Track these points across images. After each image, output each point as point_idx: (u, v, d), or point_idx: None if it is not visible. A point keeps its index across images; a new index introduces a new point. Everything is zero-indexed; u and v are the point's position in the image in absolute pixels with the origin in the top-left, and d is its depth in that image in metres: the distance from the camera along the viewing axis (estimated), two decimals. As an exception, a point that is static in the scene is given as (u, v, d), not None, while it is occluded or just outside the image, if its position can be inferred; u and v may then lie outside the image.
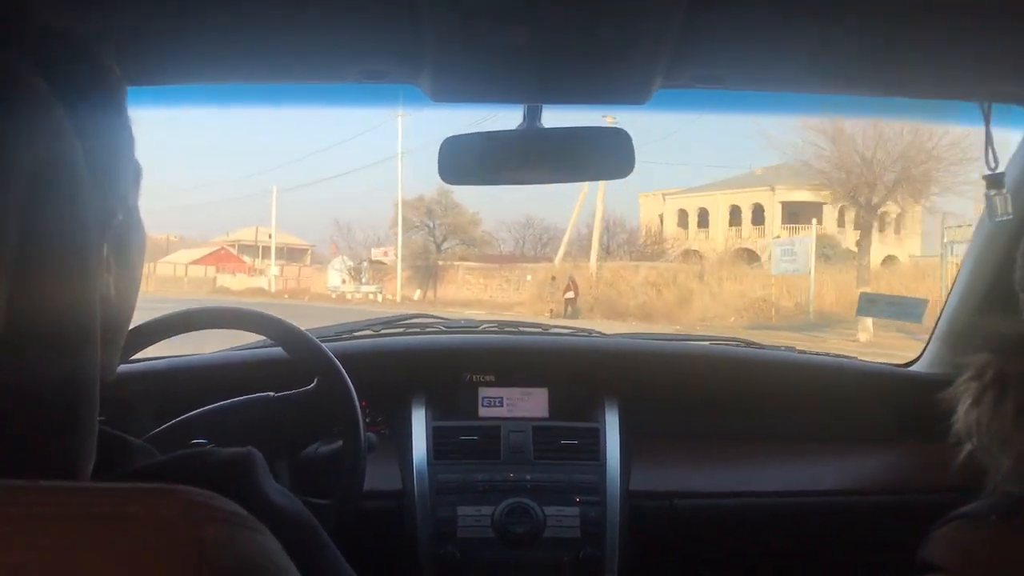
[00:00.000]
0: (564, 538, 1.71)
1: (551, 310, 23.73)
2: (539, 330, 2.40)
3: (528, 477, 1.78)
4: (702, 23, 1.09)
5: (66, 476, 0.47)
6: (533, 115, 1.42)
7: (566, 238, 31.68)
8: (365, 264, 34.95)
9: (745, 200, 31.52)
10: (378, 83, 1.35)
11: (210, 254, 43.99)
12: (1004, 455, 0.99)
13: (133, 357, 1.76)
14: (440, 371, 2.00)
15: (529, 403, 1.95)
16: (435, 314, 2.91)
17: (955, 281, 2.06)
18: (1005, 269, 1.86)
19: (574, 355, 2.12)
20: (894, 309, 2.20)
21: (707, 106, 1.56)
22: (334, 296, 32.27)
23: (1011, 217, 1.63)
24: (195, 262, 43.26)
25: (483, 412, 1.94)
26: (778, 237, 26.97)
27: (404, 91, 1.37)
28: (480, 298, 28.29)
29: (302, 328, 1.61)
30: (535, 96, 1.40)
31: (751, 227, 31.28)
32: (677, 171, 54.87)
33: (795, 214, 29.33)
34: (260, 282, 37.69)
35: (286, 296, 31.84)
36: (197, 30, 1.16)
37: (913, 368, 2.18)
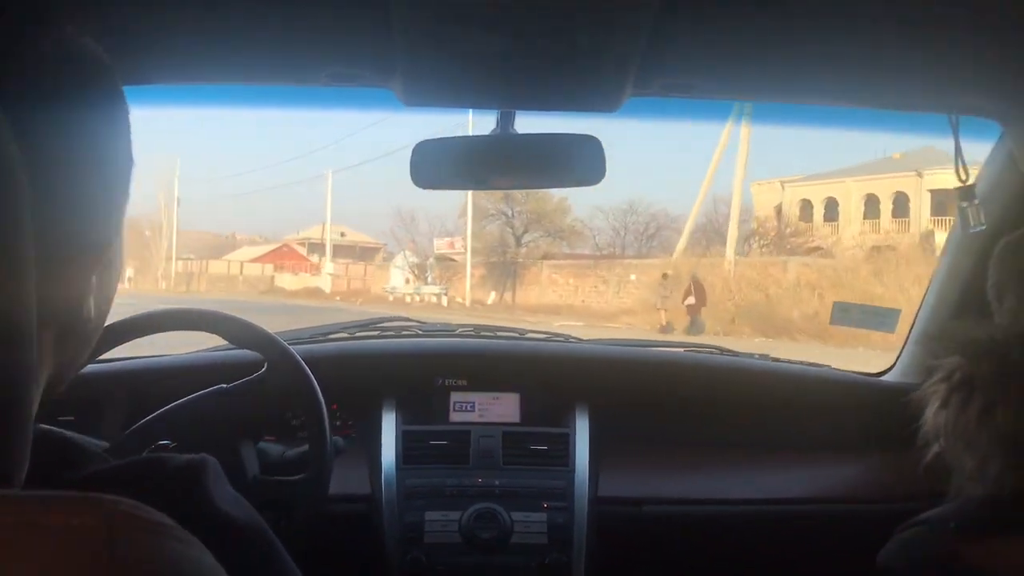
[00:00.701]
0: (531, 544, 1.71)
1: (665, 322, 18.15)
2: (515, 335, 2.39)
3: (497, 482, 1.78)
4: (671, 32, 1.10)
5: None
6: (506, 121, 1.43)
7: (689, 225, 25.67)
8: (431, 261, 30.63)
9: (884, 188, 26.99)
10: (350, 86, 1.34)
11: (272, 251, 41.99)
12: (968, 455, 1.00)
13: (102, 357, 1.75)
14: (412, 375, 1.99)
15: (500, 408, 1.95)
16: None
17: (927, 291, 2.08)
18: (977, 279, 1.88)
19: (547, 361, 2.12)
20: (867, 318, 2.21)
21: (679, 114, 1.57)
22: (391, 299, 28.31)
23: (984, 227, 1.65)
24: (256, 259, 41.42)
25: (454, 417, 1.94)
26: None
27: (377, 94, 1.37)
28: (570, 303, 23.69)
29: (264, 327, 1.61)
30: (507, 102, 1.40)
31: (891, 219, 26.73)
32: (790, 157, 52.50)
33: (942, 204, 23.87)
34: (321, 281, 34.66)
35: (337, 298, 29.18)
36: (167, 30, 1.16)
37: (886, 377, 2.20)
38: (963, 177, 1.59)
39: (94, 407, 1.77)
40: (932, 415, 1.07)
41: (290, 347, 1.55)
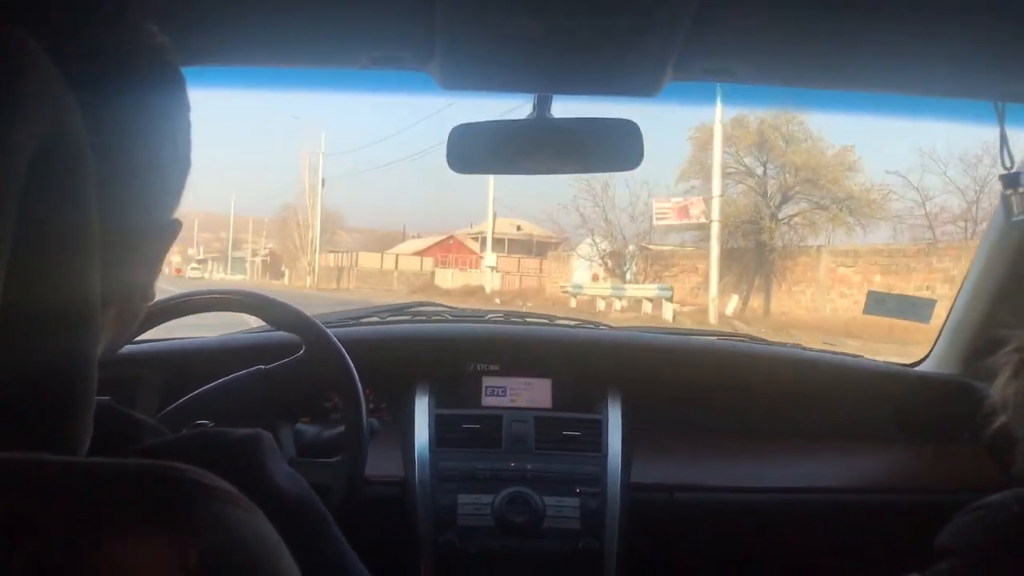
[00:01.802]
0: (563, 528, 1.72)
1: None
2: (545, 321, 2.40)
3: (529, 467, 1.78)
4: (713, 16, 1.09)
5: (65, 452, 0.47)
6: (543, 105, 1.42)
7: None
8: (632, 249, 22.45)
9: None
10: (389, 69, 1.34)
11: (435, 244, 39.19)
12: None
13: (139, 338, 1.77)
14: (444, 360, 2.00)
15: (532, 393, 1.95)
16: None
17: (963, 282, 2.05)
18: (1015, 270, 1.85)
19: (579, 347, 2.12)
20: (902, 308, 2.19)
21: (720, 100, 1.55)
22: (573, 301, 21.14)
23: None
24: (417, 253, 38.81)
25: (486, 401, 1.94)
26: None
27: (414, 78, 1.37)
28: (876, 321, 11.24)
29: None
30: (545, 86, 1.40)
31: None
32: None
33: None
34: (483, 278, 29.46)
35: (498, 301, 23.75)
36: (203, 13, 1.16)
37: (920, 368, 2.18)
38: (1008, 164, 1.57)
39: (130, 387, 1.80)
40: (1002, 385, 1.05)
41: (325, 328, 1.55)
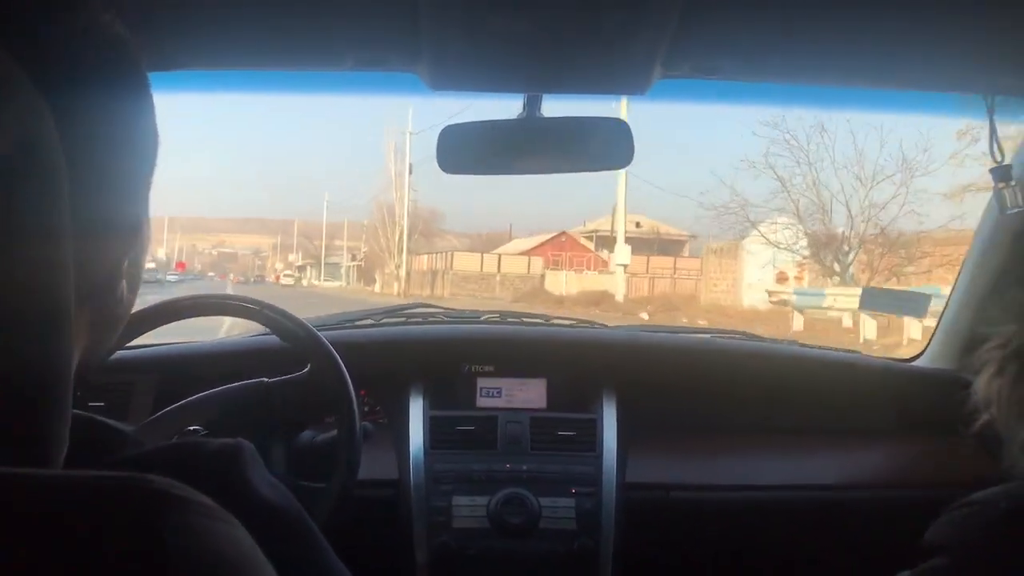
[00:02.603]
0: (559, 529, 1.71)
1: None
2: (541, 321, 2.39)
3: (524, 468, 1.78)
4: (701, 13, 1.09)
5: (37, 464, 0.46)
6: (533, 104, 1.42)
7: None
8: (856, 230, 15.31)
9: None
10: (376, 71, 1.34)
11: (545, 242, 34.27)
12: (1022, 427, 0.99)
13: (131, 343, 1.77)
14: (439, 361, 1.99)
15: (527, 393, 1.95)
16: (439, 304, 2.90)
17: (958, 276, 2.05)
18: (1009, 264, 1.85)
19: (574, 346, 2.12)
20: (897, 304, 2.18)
21: (708, 97, 1.55)
22: (764, 307, 15.42)
23: (1021, 209, 1.62)
24: (524, 252, 33.94)
25: (481, 402, 1.94)
26: None
27: (402, 79, 1.36)
28: None
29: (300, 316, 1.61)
30: (535, 85, 1.39)
31: None
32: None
33: None
34: (609, 282, 22.96)
35: (645, 316, 15.63)
36: (190, 16, 1.16)
37: (916, 363, 2.18)
38: (999, 158, 1.56)
39: (124, 393, 1.79)
40: (985, 382, 1.05)
41: (334, 351, 1.53)
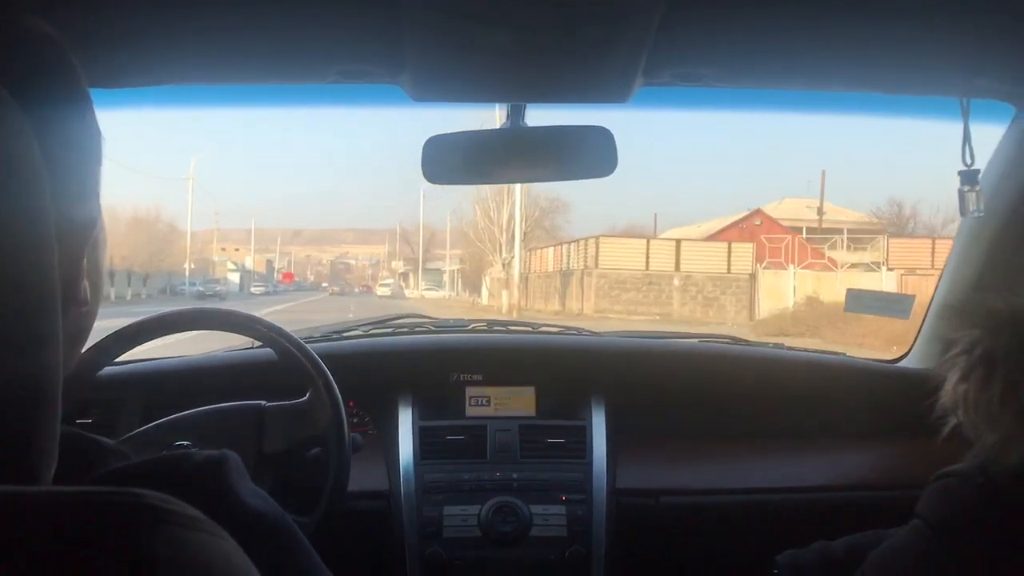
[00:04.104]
0: (551, 536, 1.72)
1: None
2: (528, 329, 2.40)
3: (515, 476, 1.78)
4: (681, 21, 1.10)
5: (27, 480, 0.46)
6: (516, 114, 1.43)
7: None
8: None
9: None
10: (358, 83, 1.35)
11: (732, 224, 25.00)
12: (990, 431, 1.01)
13: (120, 358, 1.76)
14: (427, 371, 2.00)
15: (516, 402, 1.95)
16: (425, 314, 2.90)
17: (941, 277, 2.07)
18: (989, 264, 1.87)
19: (562, 354, 2.13)
20: (881, 305, 2.20)
21: (690, 104, 1.56)
22: None
23: (982, 214, 1.64)
24: (711, 237, 24.02)
25: (470, 412, 1.94)
26: None
27: (385, 91, 1.37)
28: None
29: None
30: (517, 95, 1.40)
31: None
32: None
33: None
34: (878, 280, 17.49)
35: None
36: (173, 31, 1.16)
37: (901, 364, 2.19)
38: (968, 162, 1.59)
39: (112, 410, 1.79)
40: (951, 387, 1.06)
41: (333, 382, 1.51)
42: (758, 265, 21.17)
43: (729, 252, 21.59)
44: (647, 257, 21.86)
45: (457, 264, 43.61)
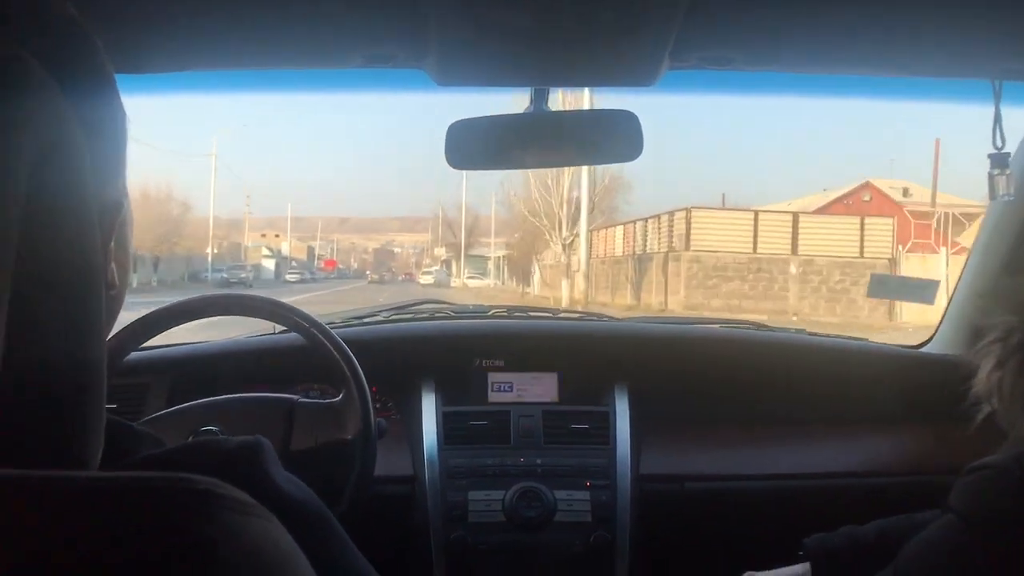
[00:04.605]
0: (575, 522, 1.72)
1: None
2: (549, 315, 2.39)
3: (539, 461, 1.79)
4: (708, 4, 1.09)
5: (76, 465, 0.46)
6: (540, 98, 1.42)
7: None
8: None
9: None
10: (384, 68, 1.34)
11: (840, 198, 20.85)
12: None
13: (147, 343, 1.77)
14: (450, 357, 2.00)
15: (539, 388, 1.95)
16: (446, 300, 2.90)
17: (966, 263, 2.05)
18: (1016, 250, 1.85)
19: (584, 340, 2.12)
20: (905, 290, 2.18)
21: (717, 88, 1.55)
22: None
23: (1012, 198, 1.62)
24: (820, 210, 20.01)
25: (493, 397, 1.94)
26: None
27: (409, 75, 1.36)
28: None
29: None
30: (542, 79, 1.39)
31: None
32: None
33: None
34: None
35: None
36: (201, 17, 1.16)
37: (924, 349, 2.18)
38: (999, 144, 1.57)
39: (138, 395, 1.80)
40: (986, 375, 1.05)
41: (364, 380, 1.50)
42: (899, 247, 16.83)
43: (862, 230, 16.84)
44: (755, 236, 16.90)
45: (503, 250, 40.81)
